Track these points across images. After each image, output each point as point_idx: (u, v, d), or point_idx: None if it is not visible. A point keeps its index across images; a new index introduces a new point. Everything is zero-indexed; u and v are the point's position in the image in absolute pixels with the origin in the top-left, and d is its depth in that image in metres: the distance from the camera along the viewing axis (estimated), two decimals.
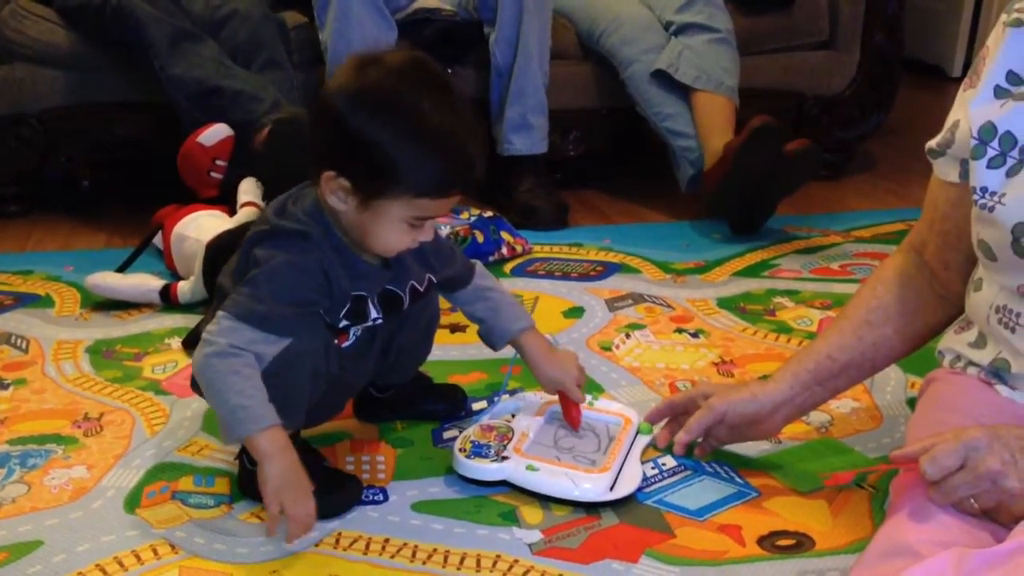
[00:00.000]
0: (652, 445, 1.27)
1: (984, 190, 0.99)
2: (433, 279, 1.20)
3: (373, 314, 1.14)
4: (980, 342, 1.05)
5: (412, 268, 1.16)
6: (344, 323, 1.12)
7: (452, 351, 1.53)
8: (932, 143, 1.09)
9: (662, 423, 1.29)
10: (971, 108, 1.01)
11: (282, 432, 1.02)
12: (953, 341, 1.10)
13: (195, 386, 1.18)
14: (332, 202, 1.05)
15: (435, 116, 1.01)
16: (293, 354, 1.06)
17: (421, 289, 1.18)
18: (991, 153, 0.99)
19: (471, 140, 1.05)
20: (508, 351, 1.27)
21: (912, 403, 1.39)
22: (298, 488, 1.01)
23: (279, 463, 1.01)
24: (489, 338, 1.26)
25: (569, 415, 1.28)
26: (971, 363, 1.06)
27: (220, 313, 1.05)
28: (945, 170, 1.08)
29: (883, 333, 1.14)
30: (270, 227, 1.09)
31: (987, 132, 0.99)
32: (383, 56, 1.04)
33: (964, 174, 1.04)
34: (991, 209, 0.98)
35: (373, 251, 1.10)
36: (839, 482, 1.15)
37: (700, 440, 1.24)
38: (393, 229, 1.06)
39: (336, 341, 1.14)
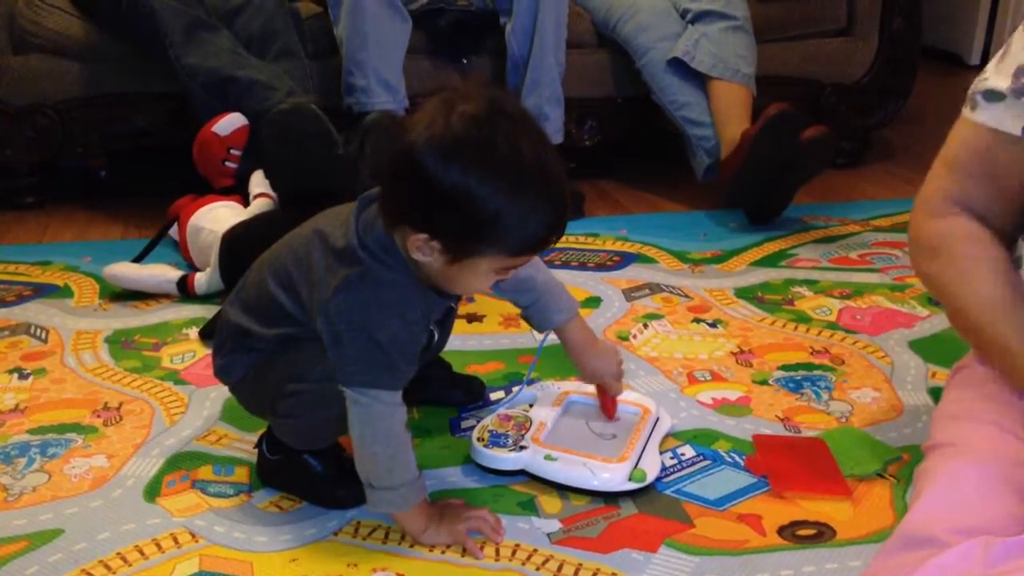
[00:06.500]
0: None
1: None
2: None
3: (434, 332, 1.14)
4: None
5: None
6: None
7: (469, 341, 1.53)
8: (1001, 86, 0.99)
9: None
10: None
11: (418, 502, 1.06)
12: None
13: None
14: (417, 256, 0.98)
15: (533, 164, 0.93)
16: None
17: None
18: None
19: (565, 181, 0.97)
20: (532, 342, 1.26)
21: (934, 393, 1.38)
22: (448, 526, 1.07)
23: (432, 529, 1.07)
24: (532, 323, 1.23)
25: (605, 407, 1.27)
26: None
27: (361, 390, 1.01)
28: (1001, 117, 0.99)
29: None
30: (351, 262, 1.01)
31: None
32: (462, 100, 0.93)
33: None
34: None
35: (451, 292, 1.07)
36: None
37: None
38: (480, 280, 1.01)
39: None
